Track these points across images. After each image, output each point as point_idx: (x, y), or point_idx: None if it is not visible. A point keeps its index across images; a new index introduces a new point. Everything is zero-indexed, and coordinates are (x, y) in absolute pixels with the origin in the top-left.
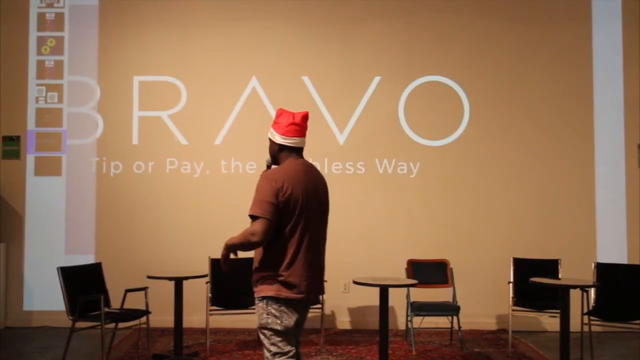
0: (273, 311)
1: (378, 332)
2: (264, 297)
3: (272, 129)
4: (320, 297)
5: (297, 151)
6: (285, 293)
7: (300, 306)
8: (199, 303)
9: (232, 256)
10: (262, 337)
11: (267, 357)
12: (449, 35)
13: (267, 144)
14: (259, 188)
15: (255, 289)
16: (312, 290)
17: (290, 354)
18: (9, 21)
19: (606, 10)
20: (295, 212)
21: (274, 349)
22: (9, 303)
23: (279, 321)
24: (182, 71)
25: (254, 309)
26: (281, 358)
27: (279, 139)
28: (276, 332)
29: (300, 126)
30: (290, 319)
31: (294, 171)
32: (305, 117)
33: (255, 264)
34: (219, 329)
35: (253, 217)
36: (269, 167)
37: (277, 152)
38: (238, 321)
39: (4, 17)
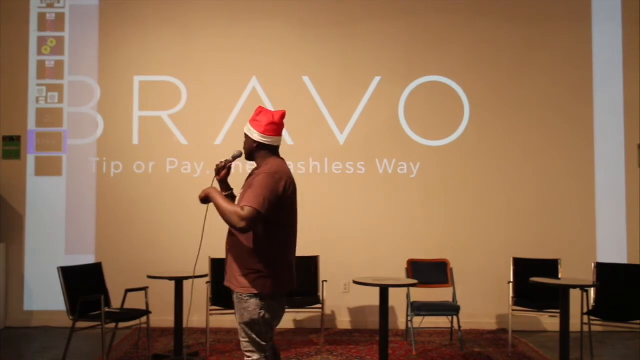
0: (266, 307)
1: (378, 332)
2: (256, 294)
3: (250, 126)
4: (320, 296)
5: (277, 149)
6: (281, 287)
7: (284, 300)
8: (199, 303)
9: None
10: (248, 330)
11: (250, 350)
12: (449, 36)
13: None
14: (266, 184)
15: (240, 284)
16: (296, 281)
17: (268, 344)
18: (9, 21)
19: (606, 10)
20: (291, 208)
21: (259, 339)
22: (9, 303)
23: (268, 316)
24: (182, 71)
25: None
26: (261, 353)
27: (257, 137)
28: (267, 325)
29: (278, 125)
30: (278, 314)
31: (286, 169)
32: (283, 116)
33: (242, 257)
34: (219, 329)
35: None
36: (233, 159)
37: (256, 150)
38: None
39: (5, 17)
